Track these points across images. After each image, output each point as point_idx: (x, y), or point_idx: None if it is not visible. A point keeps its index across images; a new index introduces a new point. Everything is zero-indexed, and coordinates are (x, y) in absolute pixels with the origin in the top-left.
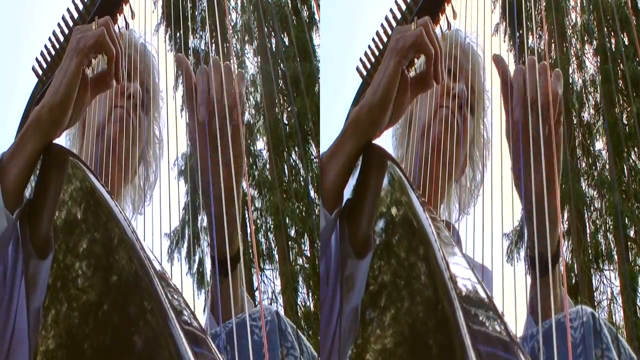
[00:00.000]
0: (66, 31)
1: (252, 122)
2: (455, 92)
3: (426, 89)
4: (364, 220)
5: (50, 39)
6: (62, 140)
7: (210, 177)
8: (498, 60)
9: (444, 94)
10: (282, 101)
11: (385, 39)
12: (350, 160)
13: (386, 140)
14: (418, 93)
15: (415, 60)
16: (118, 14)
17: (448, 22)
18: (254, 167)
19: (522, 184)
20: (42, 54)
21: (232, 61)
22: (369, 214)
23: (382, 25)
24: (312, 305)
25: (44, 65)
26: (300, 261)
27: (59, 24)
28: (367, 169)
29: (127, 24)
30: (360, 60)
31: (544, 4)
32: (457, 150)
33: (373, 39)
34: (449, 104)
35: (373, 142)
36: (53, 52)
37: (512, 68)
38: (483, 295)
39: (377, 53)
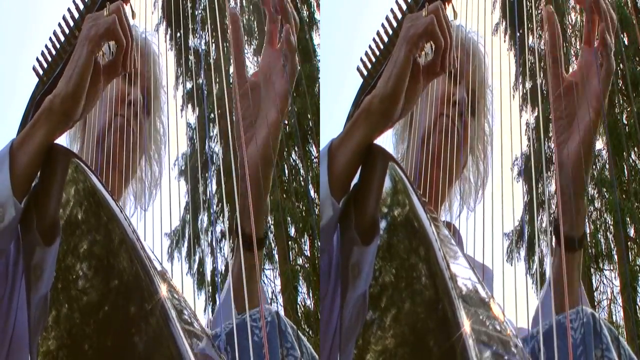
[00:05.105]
0: (67, 31)
1: None
2: (456, 99)
3: (435, 77)
4: (370, 203)
5: (51, 39)
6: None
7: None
8: None
9: (444, 102)
10: None
11: (386, 39)
12: (360, 151)
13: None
14: (429, 81)
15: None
16: None
17: (454, 12)
18: None
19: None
20: (42, 54)
21: (231, 60)
22: (376, 196)
23: (382, 25)
24: (312, 305)
25: (45, 65)
26: (300, 261)
27: (59, 24)
28: (372, 157)
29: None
30: (361, 60)
31: (544, 3)
32: (457, 158)
33: (374, 39)
34: (449, 112)
35: (374, 142)
36: (54, 52)
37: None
38: (483, 294)
39: (377, 53)
